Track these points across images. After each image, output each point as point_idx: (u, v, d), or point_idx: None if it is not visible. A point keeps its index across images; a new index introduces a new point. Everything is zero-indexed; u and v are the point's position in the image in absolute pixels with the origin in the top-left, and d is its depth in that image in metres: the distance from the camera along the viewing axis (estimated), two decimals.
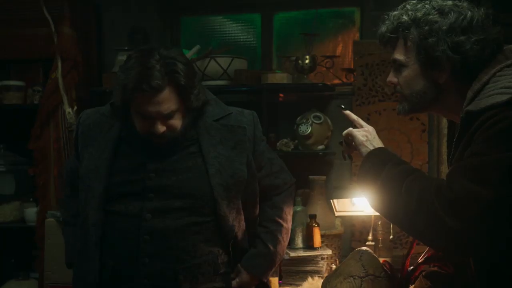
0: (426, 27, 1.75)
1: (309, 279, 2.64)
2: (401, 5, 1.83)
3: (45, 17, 3.68)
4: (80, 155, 2.23)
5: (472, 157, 1.59)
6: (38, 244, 3.69)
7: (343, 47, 4.07)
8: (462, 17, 1.73)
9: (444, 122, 3.38)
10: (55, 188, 3.76)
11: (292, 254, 3.07)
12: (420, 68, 1.80)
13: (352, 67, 3.82)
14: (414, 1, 1.83)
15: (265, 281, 2.33)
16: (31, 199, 3.96)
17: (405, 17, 1.80)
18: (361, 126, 1.92)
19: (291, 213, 2.43)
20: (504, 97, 1.61)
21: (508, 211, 1.55)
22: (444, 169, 3.39)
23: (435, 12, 1.76)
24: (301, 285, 2.63)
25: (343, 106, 2.00)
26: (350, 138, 1.91)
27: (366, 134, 1.89)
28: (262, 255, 2.29)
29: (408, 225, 1.69)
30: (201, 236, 2.13)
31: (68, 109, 3.67)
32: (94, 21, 4.17)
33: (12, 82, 3.98)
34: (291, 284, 2.99)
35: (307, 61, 3.69)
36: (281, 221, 2.34)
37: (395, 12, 1.83)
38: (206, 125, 2.17)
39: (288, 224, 2.37)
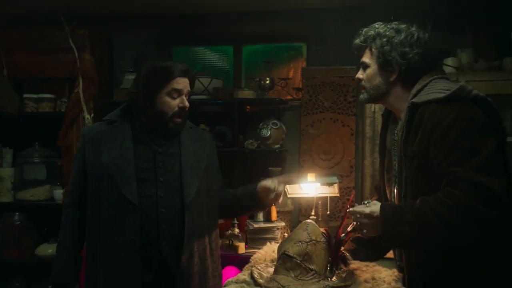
0: (385, 39, 1.83)
1: (268, 244, 2.66)
2: (371, 25, 1.90)
3: (71, 47, 3.66)
4: (92, 155, 2.11)
5: (464, 153, 1.59)
6: None
7: (294, 72, 4.09)
8: (410, 35, 1.81)
9: (367, 128, 3.44)
10: None
11: (255, 225, 3.12)
12: (378, 68, 1.86)
13: (300, 86, 3.85)
14: (380, 22, 1.90)
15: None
16: (59, 184, 3.92)
17: (372, 32, 1.87)
18: (362, 213, 1.76)
19: None
20: (441, 95, 1.68)
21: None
22: (367, 163, 3.44)
23: (392, 30, 1.84)
24: (262, 248, 2.66)
25: (349, 209, 1.83)
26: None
27: (364, 230, 1.78)
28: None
29: (460, 237, 1.60)
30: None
31: (87, 116, 3.65)
32: (107, 49, 4.15)
33: (45, 95, 3.95)
34: (254, 248, 3.01)
35: (267, 82, 3.71)
36: None
37: (366, 29, 1.90)
38: (185, 128, 2.20)
39: None
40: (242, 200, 2.23)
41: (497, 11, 3.43)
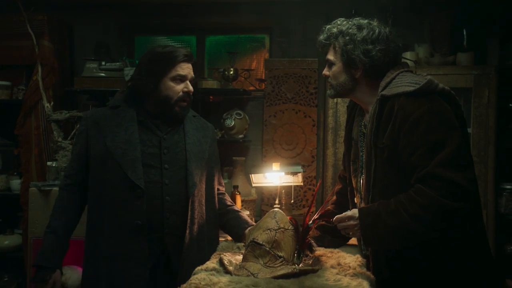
0: (347, 37, 1.81)
1: None
2: (334, 21, 1.88)
3: (29, 33, 3.50)
4: (95, 139, 2.06)
5: (432, 147, 1.61)
6: (23, 207, 3.53)
7: (257, 63, 4.08)
8: (372, 32, 1.80)
9: (330, 119, 3.47)
10: (35, 164, 3.62)
11: None
12: (343, 66, 1.85)
13: (263, 77, 3.84)
14: (342, 19, 1.88)
15: None
16: (16, 173, 3.78)
17: (334, 30, 1.85)
18: (346, 216, 1.79)
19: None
20: (411, 88, 1.68)
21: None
22: (329, 153, 3.47)
23: (355, 27, 1.82)
24: (228, 236, 2.64)
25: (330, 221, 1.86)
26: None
27: (350, 232, 1.79)
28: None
29: (434, 232, 1.63)
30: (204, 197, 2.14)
31: (46, 104, 3.51)
32: (67, 36, 3.99)
33: (1, 82, 3.78)
34: (220, 236, 3.00)
35: (231, 72, 3.69)
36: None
37: (329, 26, 1.88)
38: (188, 117, 2.19)
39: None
40: (229, 227, 2.27)
41: (453, 8, 3.52)
